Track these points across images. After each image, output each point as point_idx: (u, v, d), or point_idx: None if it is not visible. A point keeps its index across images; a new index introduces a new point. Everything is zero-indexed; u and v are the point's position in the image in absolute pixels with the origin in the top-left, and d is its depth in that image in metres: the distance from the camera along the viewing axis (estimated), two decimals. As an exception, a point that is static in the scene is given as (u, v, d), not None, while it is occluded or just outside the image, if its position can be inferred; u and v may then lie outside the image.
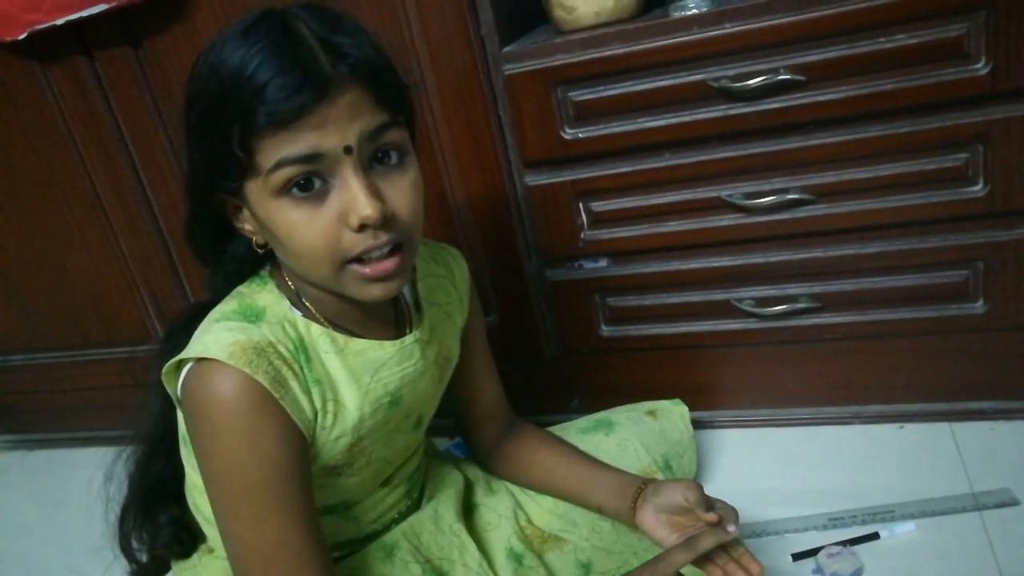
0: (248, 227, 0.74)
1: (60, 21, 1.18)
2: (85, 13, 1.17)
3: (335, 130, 0.66)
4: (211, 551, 0.88)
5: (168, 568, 0.91)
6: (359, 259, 0.70)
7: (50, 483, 1.59)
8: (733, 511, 0.82)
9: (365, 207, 0.66)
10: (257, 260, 0.79)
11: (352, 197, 0.67)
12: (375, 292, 0.72)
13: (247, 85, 0.64)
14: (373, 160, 0.69)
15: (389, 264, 0.70)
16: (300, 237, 0.68)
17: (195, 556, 0.89)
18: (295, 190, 0.67)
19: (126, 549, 0.89)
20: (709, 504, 0.83)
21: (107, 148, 1.33)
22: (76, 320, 1.53)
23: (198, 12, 1.17)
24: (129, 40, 1.22)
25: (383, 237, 0.69)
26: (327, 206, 0.68)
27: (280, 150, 0.65)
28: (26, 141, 1.36)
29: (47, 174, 1.39)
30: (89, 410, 1.62)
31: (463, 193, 1.18)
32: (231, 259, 0.80)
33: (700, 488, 0.84)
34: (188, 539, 0.89)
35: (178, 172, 1.31)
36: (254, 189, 0.69)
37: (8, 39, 1.23)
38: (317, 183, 0.67)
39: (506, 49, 1.08)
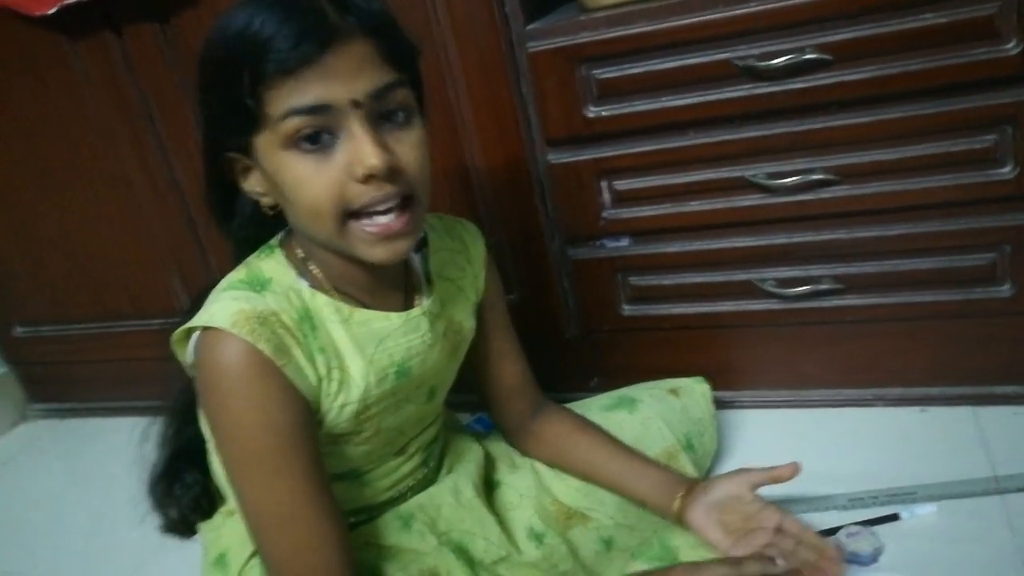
0: (257, 188, 0.75)
1: (89, -4, 1.20)
2: (113, -11, 1.18)
3: (342, 83, 0.67)
4: (232, 513, 0.90)
5: (195, 530, 0.94)
6: (364, 215, 0.70)
7: (79, 451, 1.62)
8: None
9: (371, 156, 0.67)
10: (265, 226, 0.80)
11: (358, 148, 0.67)
12: (381, 253, 0.72)
13: (255, 37, 0.66)
14: (380, 118, 0.70)
15: (398, 223, 0.71)
16: (306, 189, 0.69)
17: (218, 518, 0.91)
18: (303, 143, 0.68)
19: (158, 505, 0.92)
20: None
21: (133, 123, 1.34)
22: (104, 293, 1.56)
23: (224, -12, 1.17)
24: (156, 16, 1.23)
25: (388, 189, 0.69)
26: (334, 159, 0.68)
27: (288, 100, 0.66)
28: (54, 116, 1.38)
29: (74, 148, 1.41)
30: (117, 381, 1.65)
31: (486, 171, 1.18)
32: (238, 224, 0.81)
33: (752, 472, 0.85)
34: (207, 503, 0.92)
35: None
36: (263, 142, 0.70)
37: (38, 14, 1.24)
38: (325, 137, 0.68)
39: (530, 27, 1.08)
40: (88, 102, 1.35)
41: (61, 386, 1.74)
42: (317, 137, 0.68)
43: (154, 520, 0.93)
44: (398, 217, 0.71)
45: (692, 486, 0.88)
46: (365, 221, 0.70)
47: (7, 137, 1.44)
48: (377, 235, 0.71)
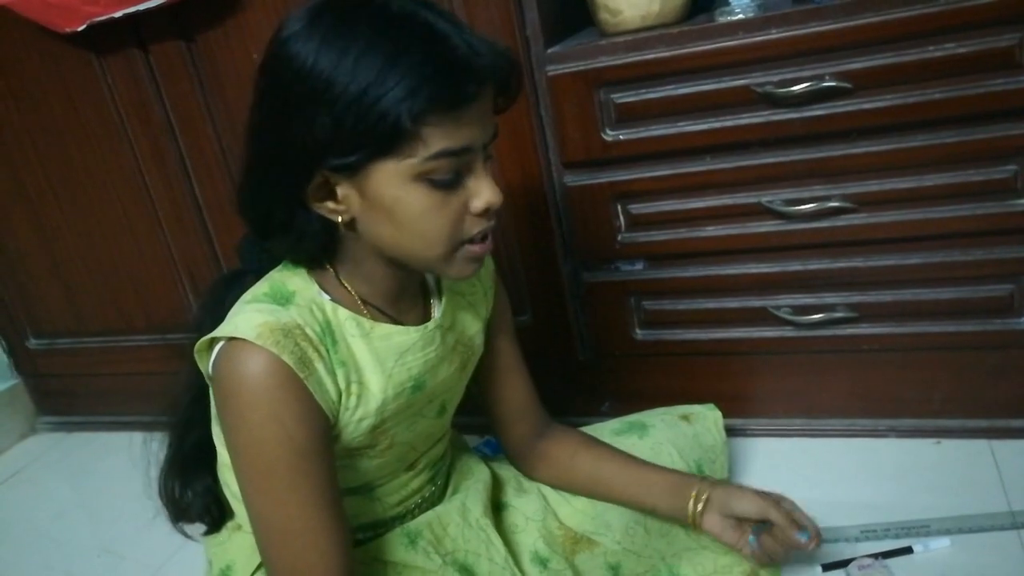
0: (334, 205, 0.73)
1: (118, 14, 1.22)
2: (142, 7, 1.20)
3: (481, 127, 0.71)
4: (239, 527, 0.90)
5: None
6: (471, 240, 0.75)
7: (87, 465, 1.62)
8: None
9: (496, 195, 0.73)
10: (330, 242, 0.78)
11: (483, 186, 0.73)
12: (470, 270, 0.77)
13: (420, 65, 0.65)
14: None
15: (489, 245, 0.77)
16: (430, 220, 0.72)
17: (224, 532, 0.91)
18: (437, 176, 0.70)
19: (167, 504, 0.92)
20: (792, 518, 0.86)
21: (157, 139, 1.36)
22: (120, 306, 1.57)
23: (250, 7, 1.19)
24: (183, 34, 1.25)
25: (493, 220, 0.76)
26: (458, 194, 0.72)
27: (443, 140, 0.68)
28: (80, 130, 1.40)
29: (99, 162, 1.42)
30: (128, 395, 1.65)
31: (502, 191, 1.18)
32: (299, 235, 0.76)
33: (780, 504, 0.87)
34: (217, 512, 0.91)
35: (223, 163, 1.33)
36: (386, 169, 0.69)
37: (68, 30, 1.27)
38: (454, 173, 0.71)
39: (551, 50, 1.09)
40: (114, 117, 1.37)
41: (71, 399, 1.75)
42: (452, 175, 0.71)
43: (160, 533, 0.93)
44: (487, 241, 0.77)
45: (709, 492, 0.89)
46: (472, 245, 0.75)
47: (36, 148, 1.46)
48: (479, 255, 0.76)
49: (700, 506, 0.89)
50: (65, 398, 1.75)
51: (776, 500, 0.88)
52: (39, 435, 1.79)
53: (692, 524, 0.90)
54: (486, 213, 0.74)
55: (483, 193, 0.72)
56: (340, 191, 0.72)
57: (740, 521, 0.89)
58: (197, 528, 0.93)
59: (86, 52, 1.32)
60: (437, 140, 0.68)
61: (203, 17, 1.23)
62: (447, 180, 0.70)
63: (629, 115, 1.08)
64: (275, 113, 0.71)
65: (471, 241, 0.75)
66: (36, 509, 1.49)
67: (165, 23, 1.25)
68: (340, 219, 0.74)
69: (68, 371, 1.70)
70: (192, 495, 0.90)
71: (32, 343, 1.70)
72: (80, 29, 1.26)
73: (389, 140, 0.67)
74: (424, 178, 0.70)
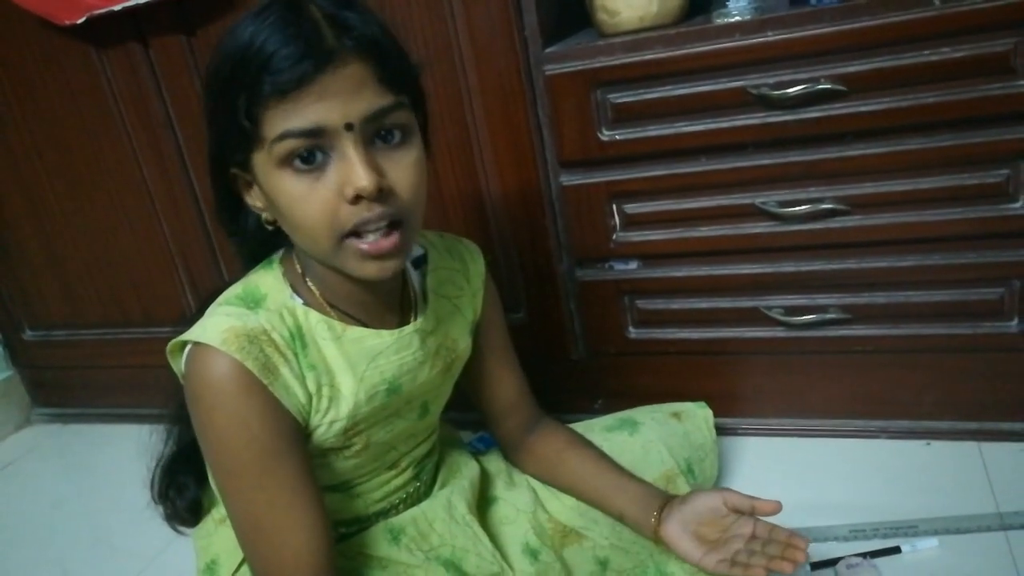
0: (258, 203, 0.76)
1: (118, 7, 1.23)
2: (143, 0, 1.20)
3: (337, 104, 0.67)
4: (224, 520, 0.90)
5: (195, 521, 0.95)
6: (357, 234, 0.70)
7: (82, 457, 1.62)
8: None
9: (361, 178, 0.67)
10: (269, 239, 0.80)
11: (349, 169, 0.68)
12: (371, 270, 0.72)
13: (254, 57, 0.66)
14: (375, 137, 0.70)
15: (386, 243, 0.71)
16: (300, 209, 0.70)
17: (210, 524, 0.92)
18: (297, 162, 0.68)
19: (158, 501, 0.93)
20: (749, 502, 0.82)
21: (155, 132, 1.36)
22: (117, 299, 1.57)
23: (251, 0, 1.19)
24: (183, 28, 1.26)
25: (378, 210, 0.69)
26: (326, 179, 0.69)
27: (284, 122, 0.67)
28: (79, 123, 1.41)
29: (97, 155, 1.43)
30: (124, 387, 1.65)
31: (498, 190, 1.20)
32: (243, 239, 0.82)
33: (734, 493, 0.83)
34: (197, 512, 0.93)
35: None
36: (260, 161, 0.71)
37: (67, 23, 1.27)
38: (319, 156, 0.68)
39: (548, 50, 1.10)
40: (113, 110, 1.37)
41: (67, 391, 1.75)
42: (311, 157, 0.68)
43: (153, 525, 0.94)
44: (386, 236, 0.71)
45: (670, 501, 0.86)
46: (359, 240, 0.71)
47: (35, 141, 1.46)
48: (368, 252, 0.71)
49: (661, 516, 0.85)
50: (60, 390, 1.75)
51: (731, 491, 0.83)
52: (34, 426, 1.79)
53: (654, 535, 0.86)
54: (358, 200, 0.68)
55: (349, 177, 0.67)
56: (254, 187, 0.75)
57: (701, 531, 0.83)
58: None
59: (85, 45, 1.33)
60: (278, 123, 0.67)
61: (203, 11, 1.23)
62: (309, 163, 0.68)
63: (626, 115, 1.09)
64: (204, 114, 0.75)
65: (357, 235, 0.70)
66: (30, 500, 1.49)
67: (165, 17, 1.25)
68: (264, 216, 0.76)
69: (64, 363, 1.70)
70: (175, 492, 0.92)
71: (28, 335, 1.70)
72: (80, 22, 1.26)
73: (243, 134, 0.69)
74: (286, 164, 0.69)
